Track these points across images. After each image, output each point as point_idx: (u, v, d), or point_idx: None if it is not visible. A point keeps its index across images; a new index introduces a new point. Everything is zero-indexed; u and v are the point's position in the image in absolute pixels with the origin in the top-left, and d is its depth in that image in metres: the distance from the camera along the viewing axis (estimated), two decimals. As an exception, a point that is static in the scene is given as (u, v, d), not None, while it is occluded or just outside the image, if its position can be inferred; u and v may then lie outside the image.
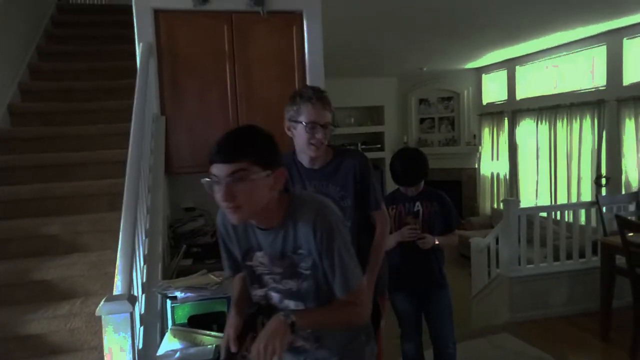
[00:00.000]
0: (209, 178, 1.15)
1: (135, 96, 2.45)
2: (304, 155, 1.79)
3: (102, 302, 1.49)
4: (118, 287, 1.59)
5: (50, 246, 2.54)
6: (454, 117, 8.10)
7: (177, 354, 1.59)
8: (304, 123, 1.69)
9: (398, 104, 8.13)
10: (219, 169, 1.12)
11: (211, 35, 3.07)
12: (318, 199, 1.30)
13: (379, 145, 7.93)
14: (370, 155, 7.63)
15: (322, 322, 1.27)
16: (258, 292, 1.33)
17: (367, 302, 1.31)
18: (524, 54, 6.51)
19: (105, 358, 1.53)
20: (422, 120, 8.21)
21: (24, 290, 2.31)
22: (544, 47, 6.10)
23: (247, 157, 1.12)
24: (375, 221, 1.91)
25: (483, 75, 7.74)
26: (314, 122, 1.68)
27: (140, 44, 2.87)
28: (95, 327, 2.12)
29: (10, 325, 2.11)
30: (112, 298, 1.52)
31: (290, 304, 1.29)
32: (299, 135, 1.72)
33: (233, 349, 1.19)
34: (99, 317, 2.12)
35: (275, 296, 1.30)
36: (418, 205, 2.49)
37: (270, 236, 1.25)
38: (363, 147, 7.68)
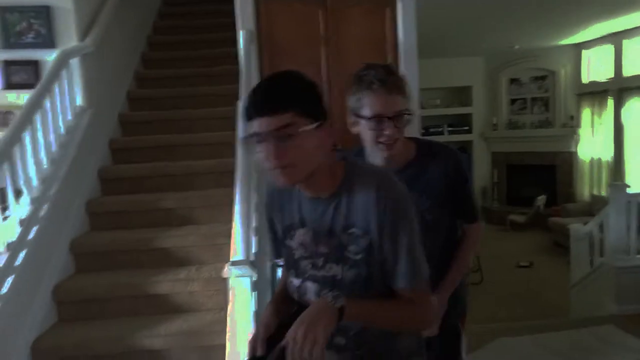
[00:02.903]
0: (247, 136, 0.95)
1: (240, 82, 2.62)
2: (376, 156, 1.40)
3: (227, 266, 1.65)
4: (239, 254, 1.74)
5: (167, 218, 2.82)
6: (548, 98, 7.61)
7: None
8: (367, 117, 1.33)
9: (487, 84, 7.79)
10: (260, 125, 0.93)
11: (307, 20, 3.16)
12: (380, 169, 1.10)
13: (467, 128, 7.68)
14: (457, 138, 7.47)
15: (376, 316, 0.99)
16: (294, 282, 1.11)
17: (432, 310, 1.11)
18: (634, 26, 5.91)
19: (228, 316, 1.70)
20: (512, 101, 7.82)
21: (148, 256, 2.60)
22: (660, 17, 5.51)
23: (293, 107, 0.93)
24: (465, 234, 1.56)
25: (583, 52, 7.15)
26: (379, 114, 1.31)
27: (242, 31, 3.03)
28: (211, 291, 2.36)
29: (140, 285, 2.41)
30: (235, 263, 1.67)
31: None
32: (364, 132, 1.36)
33: (259, 352, 0.98)
34: (214, 282, 2.35)
35: (311, 288, 1.06)
36: None
37: (319, 208, 1.03)
38: (450, 129, 7.50)
